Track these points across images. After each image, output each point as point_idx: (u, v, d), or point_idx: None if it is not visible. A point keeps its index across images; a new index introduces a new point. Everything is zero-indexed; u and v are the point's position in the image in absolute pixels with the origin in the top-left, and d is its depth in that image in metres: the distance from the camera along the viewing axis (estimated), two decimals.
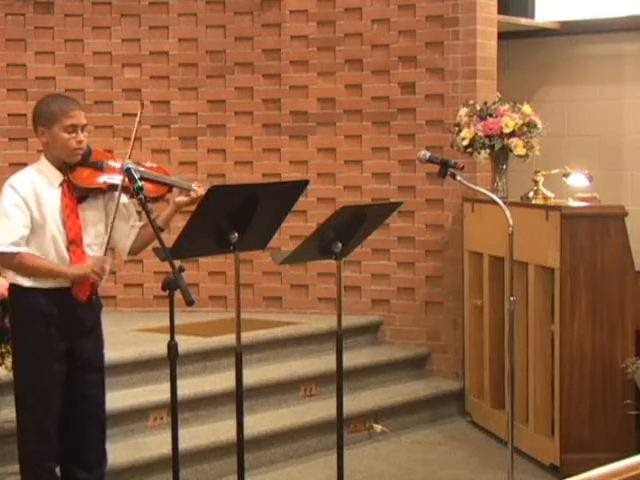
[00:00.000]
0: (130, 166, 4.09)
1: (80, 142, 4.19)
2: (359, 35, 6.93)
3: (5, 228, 4.12)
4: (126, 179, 4.12)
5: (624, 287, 5.49)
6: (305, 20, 7.01)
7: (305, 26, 7.01)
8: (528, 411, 5.80)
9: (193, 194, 4.27)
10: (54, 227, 4.18)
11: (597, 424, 5.49)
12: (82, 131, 4.21)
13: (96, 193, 4.27)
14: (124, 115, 7.01)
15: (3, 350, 4.81)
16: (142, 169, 4.30)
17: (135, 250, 4.40)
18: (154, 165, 4.52)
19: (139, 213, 4.34)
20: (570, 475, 2.43)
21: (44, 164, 4.25)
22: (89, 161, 4.25)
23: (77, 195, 4.24)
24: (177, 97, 7.11)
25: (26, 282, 4.18)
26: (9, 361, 4.80)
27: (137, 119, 4.39)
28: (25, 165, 6.82)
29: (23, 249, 4.12)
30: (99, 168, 4.26)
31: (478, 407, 6.45)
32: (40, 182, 4.20)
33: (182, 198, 4.30)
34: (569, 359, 5.47)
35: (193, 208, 4.11)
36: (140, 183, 4.02)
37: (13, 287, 4.25)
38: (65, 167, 4.23)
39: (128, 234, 4.35)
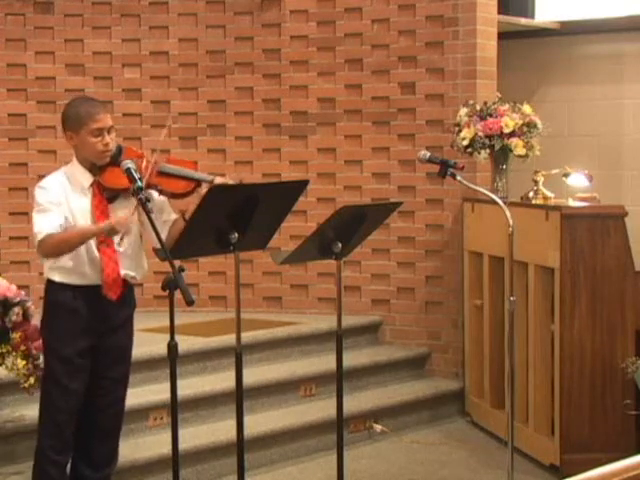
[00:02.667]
0: (130, 166, 4.10)
1: (107, 144, 4.24)
2: (359, 35, 6.93)
3: (44, 219, 4.18)
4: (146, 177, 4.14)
5: (624, 287, 5.49)
6: (305, 20, 7.01)
7: (305, 26, 7.01)
8: (528, 411, 5.80)
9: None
10: None
11: (597, 424, 5.49)
12: (109, 133, 4.26)
13: (126, 193, 4.28)
14: (124, 115, 7.01)
15: (3, 350, 4.81)
16: (171, 166, 4.35)
17: (168, 244, 4.38)
18: (184, 159, 4.56)
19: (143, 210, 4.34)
20: (570, 475, 2.43)
21: (75, 166, 4.31)
22: (119, 161, 4.26)
23: (107, 195, 4.29)
24: (177, 97, 7.11)
25: (56, 277, 4.26)
26: (9, 361, 4.81)
27: (164, 131, 4.39)
28: (25, 165, 6.93)
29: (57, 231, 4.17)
30: None
31: (478, 407, 6.45)
32: (70, 184, 4.27)
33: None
34: (569, 359, 5.47)
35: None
36: (140, 183, 4.03)
37: (48, 282, 4.32)
38: (95, 168, 4.28)
39: (161, 229, 4.33)
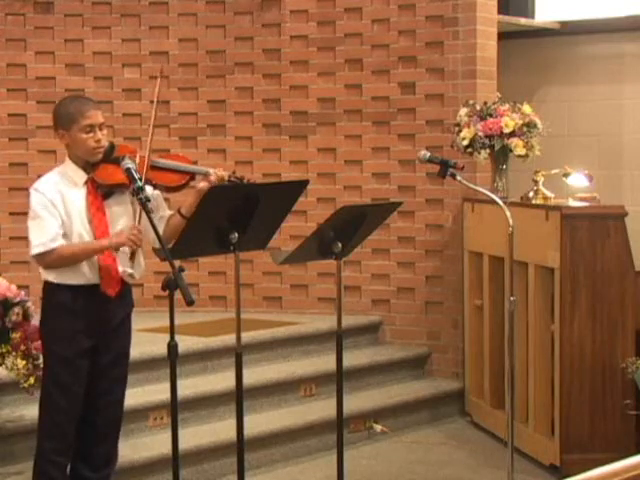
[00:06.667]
0: (130, 166, 4.11)
1: (99, 141, 4.25)
2: (359, 35, 6.93)
3: (40, 229, 4.19)
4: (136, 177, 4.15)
5: (624, 287, 5.49)
6: (305, 20, 7.01)
7: (305, 26, 7.02)
8: (528, 411, 5.80)
9: (212, 177, 4.35)
10: (80, 226, 4.24)
11: (597, 424, 5.49)
12: (100, 130, 4.26)
13: (121, 188, 4.29)
14: (124, 115, 7.01)
15: (3, 350, 4.81)
16: (164, 160, 4.40)
17: (166, 240, 4.37)
18: (177, 154, 4.58)
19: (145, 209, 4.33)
20: (570, 475, 2.43)
21: (68, 165, 4.31)
22: (111, 157, 4.27)
23: (102, 192, 4.29)
24: (177, 97, 7.11)
25: (53, 278, 4.24)
26: (9, 361, 4.81)
27: (156, 88, 4.41)
28: (25, 165, 6.93)
29: (60, 242, 4.18)
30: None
31: (478, 407, 6.45)
32: (64, 183, 4.26)
33: (204, 183, 4.35)
34: (569, 359, 5.47)
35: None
36: (140, 183, 4.04)
37: (45, 283, 4.31)
38: (88, 166, 4.28)
39: (157, 225, 4.33)
